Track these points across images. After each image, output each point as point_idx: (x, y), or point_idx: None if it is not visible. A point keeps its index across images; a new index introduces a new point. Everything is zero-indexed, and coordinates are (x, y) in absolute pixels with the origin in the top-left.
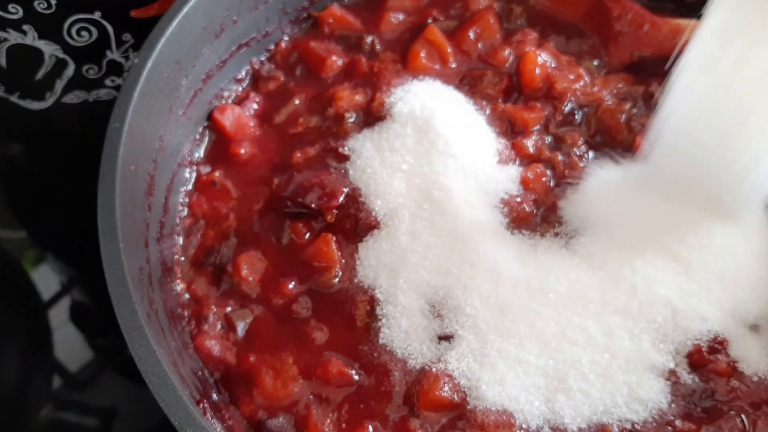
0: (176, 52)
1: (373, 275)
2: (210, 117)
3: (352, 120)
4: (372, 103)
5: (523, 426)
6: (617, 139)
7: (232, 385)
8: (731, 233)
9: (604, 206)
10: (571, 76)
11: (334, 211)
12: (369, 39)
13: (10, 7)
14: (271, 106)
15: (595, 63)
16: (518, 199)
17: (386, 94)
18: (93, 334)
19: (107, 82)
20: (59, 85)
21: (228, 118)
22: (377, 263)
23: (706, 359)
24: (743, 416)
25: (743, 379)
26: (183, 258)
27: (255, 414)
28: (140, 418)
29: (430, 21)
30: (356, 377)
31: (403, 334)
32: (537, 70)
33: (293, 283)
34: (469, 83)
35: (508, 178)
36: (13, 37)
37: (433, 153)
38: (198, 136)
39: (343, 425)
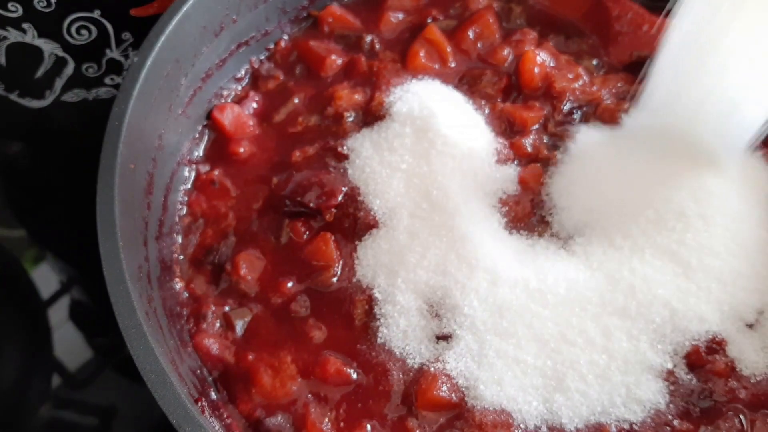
0: (176, 50)
1: (371, 274)
2: (209, 116)
3: (351, 119)
4: (371, 103)
5: (521, 426)
6: None
7: (230, 383)
8: (732, 232)
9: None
10: (570, 76)
11: (333, 210)
12: (368, 38)
13: (9, 5)
14: (270, 105)
15: (594, 62)
16: (516, 199)
17: (385, 93)
18: (92, 333)
19: (107, 80)
20: (59, 83)
21: (227, 117)
22: (376, 263)
23: (705, 359)
24: (741, 416)
25: (741, 380)
26: (182, 257)
27: (253, 412)
28: (139, 417)
29: (429, 20)
30: (354, 376)
31: (402, 333)
32: (536, 70)
33: (292, 282)
34: (468, 83)
35: (506, 177)
36: (13, 36)
37: (431, 152)
38: (197, 135)
39: (342, 424)
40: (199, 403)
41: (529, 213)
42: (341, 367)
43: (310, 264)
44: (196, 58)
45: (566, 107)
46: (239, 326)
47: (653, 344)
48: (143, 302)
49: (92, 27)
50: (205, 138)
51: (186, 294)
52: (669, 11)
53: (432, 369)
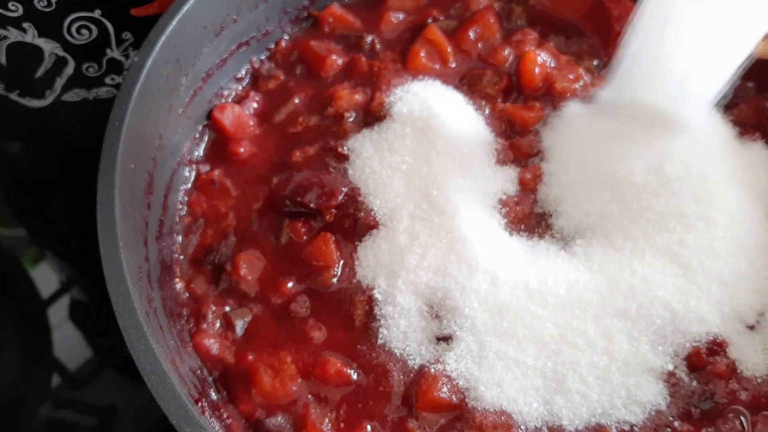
0: (176, 50)
1: (371, 275)
2: (210, 116)
3: (351, 119)
4: (371, 103)
5: (522, 427)
6: None
7: (230, 383)
8: (732, 234)
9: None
10: (571, 76)
11: (333, 210)
12: (369, 38)
13: (10, 4)
14: (270, 105)
15: (595, 63)
16: (516, 200)
17: (386, 93)
18: (92, 333)
19: (107, 80)
20: (59, 83)
21: (228, 117)
22: (376, 263)
23: (705, 361)
24: (742, 418)
25: (742, 381)
26: (182, 256)
27: (253, 413)
28: (139, 416)
29: (430, 21)
30: (355, 377)
31: (402, 334)
32: (536, 70)
33: (292, 282)
34: (468, 83)
35: (506, 178)
36: (13, 35)
37: (432, 153)
38: (197, 135)
39: (342, 425)
40: (200, 404)
41: (529, 214)
42: (341, 368)
43: (310, 264)
44: (197, 58)
45: None
46: (239, 326)
47: (654, 346)
48: (143, 302)
49: (93, 26)
50: (206, 138)
51: (186, 294)
52: None
53: (432, 370)
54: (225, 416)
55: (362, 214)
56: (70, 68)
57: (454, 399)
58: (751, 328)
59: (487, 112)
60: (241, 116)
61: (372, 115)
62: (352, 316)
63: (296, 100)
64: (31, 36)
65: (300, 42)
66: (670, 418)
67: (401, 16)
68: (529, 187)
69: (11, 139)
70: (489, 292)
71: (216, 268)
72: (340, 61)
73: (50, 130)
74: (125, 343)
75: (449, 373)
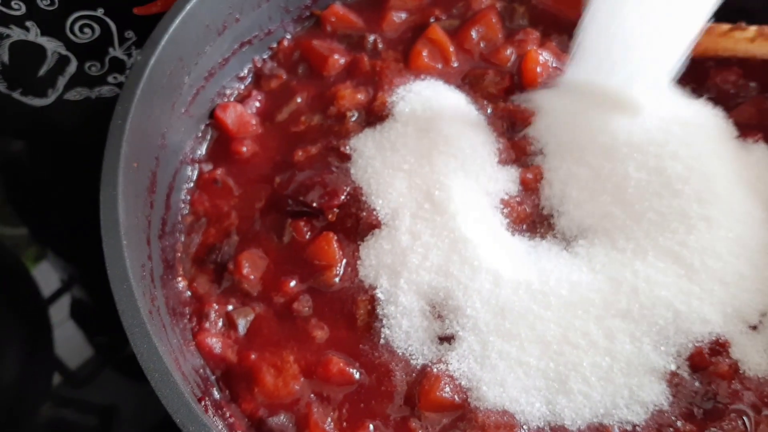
0: (179, 49)
1: (374, 275)
2: (212, 115)
3: (353, 119)
4: (374, 102)
5: (524, 427)
6: None
7: (233, 382)
8: (735, 234)
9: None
10: None
11: (336, 210)
12: (371, 38)
13: (13, 3)
14: (273, 104)
15: None
16: (518, 200)
17: (388, 93)
18: (93, 332)
19: (109, 79)
20: (61, 81)
21: (230, 116)
22: (378, 263)
23: (708, 361)
24: (745, 418)
25: (745, 381)
26: (184, 255)
27: (256, 412)
28: (140, 416)
29: (432, 20)
30: (357, 376)
31: (404, 334)
32: (539, 69)
33: (294, 281)
34: (470, 82)
35: (508, 178)
36: (16, 34)
37: (434, 153)
38: (200, 134)
39: (344, 424)
40: (203, 403)
41: (531, 214)
42: (344, 367)
43: (312, 264)
44: (200, 57)
45: None
46: (242, 325)
47: (656, 346)
48: (146, 301)
49: (95, 25)
50: (208, 137)
51: (189, 293)
52: None
53: (435, 370)
54: (228, 415)
55: (364, 213)
56: (72, 67)
57: (457, 399)
58: (754, 328)
59: (489, 111)
60: (243, 115)
61: (374, 115)
62: (354, 315)
63: (298, 100)
64: (33, 34)
65: (302, 41)
66: (673, 418)
67: (403, 15)
68: (530, 187)
69: (13, 137)
70: (491, 293)
71: (218, 267)
72: (342, 61)
73: (52, 129)
74: (127, 342)
75: (452, 372)
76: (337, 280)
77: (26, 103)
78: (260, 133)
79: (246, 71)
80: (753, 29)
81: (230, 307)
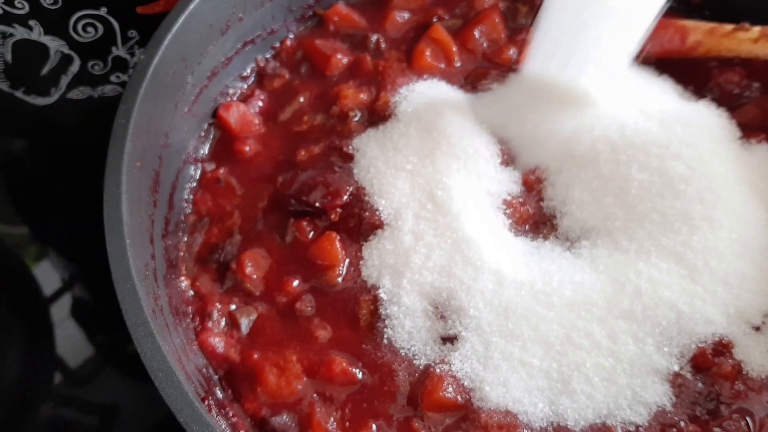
0: (182, 49)
1: (376, 275)
2: (215, 114)
3: (356, 119)
4: (376, 102)
5: (527, 428)
6: None
7: (235, 382)
8: (738, 235)
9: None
10: None
11: (338, 209)
12: (374, 37)
13: (16, 2)
14: (275, 104)
15: None
16: (520, 200)
17: (391, 93)
18: (94, 331)
19: (112, 78)
20: (64, 80)
21: (233, 116)
22: (381, 263)
23: (711, 362)
24: (748, 419)
25: (748, 381)
26: (187, 255)
27: (259, 411)
28: (140, 415)
29: (435, 20)
30: (360, 376)
31: (407, 334)
32: None
33: (297, 281)
34: (473, 82)
35: (510, 179)
36: (19, 33)
37: (436, 153)
38: (203, 133)
39: (347, 424)
40: (206, 402)
41: (533, 215)
42: (347, 367)
43: (315, 263)
44: (203, 57)
45: None
46: (244, 325)
47: (659, 347)
48: (150, 300)
49: (98, 24)
50: (211, 136)
51: (191, 292)
52: None
53: (438, 370)
54: (231, 414)
55: (367, 213)
56: (75, 66)
57: (460, 399)
58: (757, 329)
59: None
60: (246, 115)
61: (377, 115)
62: (357, 315)
63: (301, 99)
64: (36, 33)
65: (305, 41)
66: (676, 419)
67: (406, 15)
68: (533, 188)
69: (15, 136)
70: (494, 293)
71: (221, 266)
72: (345, 60)
73: (55, 128)
74: (128, 341)
75: (454, 373)
76: (339, 280)
77: (29, 102)
78: (263, 132)
79: (249, 71)
80: (756, 30)
81: (233, 307)
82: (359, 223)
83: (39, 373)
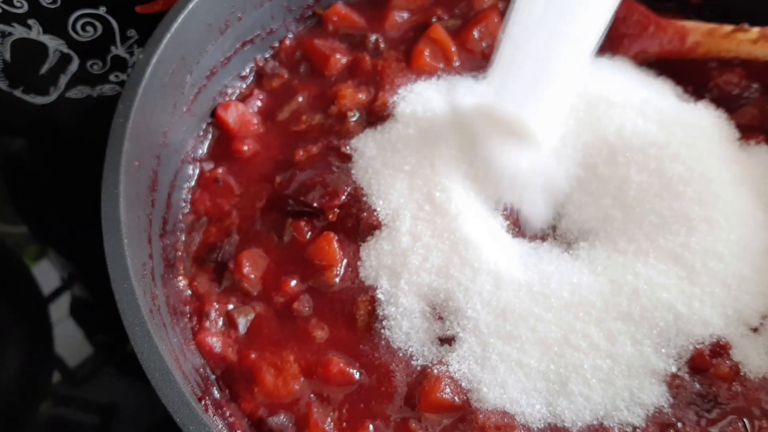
0: (181, 48)
1: (374, 275)
2: (214, 113)
3: (354, 119)
4: (375, 102)
5: (524, 429)
6: None
7: (233, 382)
8: (736, 236)
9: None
10: None
11: (336, 210)
12: (373, 37)
13: (15, 1)
14: (274, 104)
15: None
16: None
17: (389, 93)
18: (93, 330)
19: (111, 77)
20: (63, 80)
21: (231, 115)
22: (378, 264)
23: (709, 363)
24: (745, 420)
25: (746, 383)
26: (185, 254)
27: (256, 411)
28: (140, 414)
29: (434, 20)
30: (357, 377)
31: (404, 335)
32: None
33: (294, 281)
34: None
35: None
36: (18, 32)
37: (435, 154)
38: (201, 133)
39: (344, 424)
40: (203, 402)
41: None
42: (344, 368)
43: (312, 263)
44: (201, 56)
45: None
46: (242, 325)
47: (657, 348)
48: (147, 300)
49: (97, 24)
50: (209, 136)
51: (189, 292)
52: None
53: (435, 371)
54: (228, 414)
55: (365, 214)
56: (74, 65)
57: (457, 400)
58: (755, 330)
59: None
60: (244, 114)
61: (375, 115)
62: (354, 316)
63: (300, 99)
64: (35, 33)
65: (304, 40)
66: (673, 420)
67: (405, 15)
68: None
69: (14, 135)
70: (492, 294)
71: (219, 266)
72: (344, 60)
73: (54, 127)
74: (126, 340)
75: (452, 374)
76: (337, 280)
77: (28, 101)
78: (261, 132)
79: (248, 70)
80: (756, 31)
81: (230, 307)
82: (357, 223)
83: (38, 372)
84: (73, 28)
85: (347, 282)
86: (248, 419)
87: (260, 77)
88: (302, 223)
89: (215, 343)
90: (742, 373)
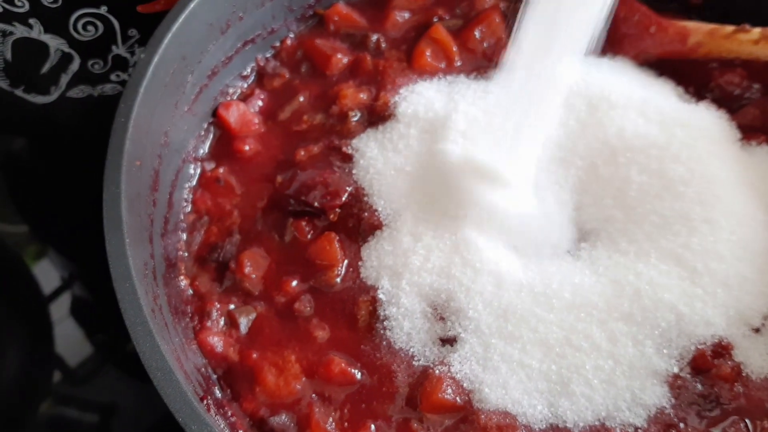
0: (182, 48)
1: (375, 276)
2: (215, 113)
3: (356, 118)
4: (376, 102)
5: (526, 429)
6: None
7: (234, 381)
8: (737, 236)
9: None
10: None
11: (337, 210)
12: (374, 37)
13: (16, 0)
14: (275, 103)
15: None
16: None
17: (391, 93)
18: (93, 330)
19: (112, 77)
20: (64, 79)
21: (233, 115)
22: (379, 264)
23: (711, 364)
24: (747, 421)
25: (748, 384)
26: (186, 254)
27: (257, 411)
28: (140, 414)
29: (435, 20)
30: (359, 377)
31: (406, 335)
32: None
33: (296, 281)
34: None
35: None
36: (19, 31)
37: (436, 154)
38: (203, 132)
39: (346, 424)
40: (205, 401)
41: None
42: (346, 368)
43: (314, 263)
44: (203, 56)
45: None
46: (243, 324)
47: (659, 349)
48: (149, 299)
49: (98, 23)
50: (211, 135)
51: (190, 291)
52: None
53: (437, 371)
54: (229, 414)
55: (366, 214)
56: (75, 65)
57: (459, 400)
58: (757, 331)
59: None
60: (246, 114)
61: (377, 115)
62: (355, 316)
63: (301, 99)
64: (37, 32)
65: (305, 40)
66: (675, 420)
67: (407, 15)
68: None
69: (15, 135)
70: (494, 295)
71: (220, 265)
72: (345, 60)
73: (54, 127)
74: (127, 339)
75: (454, 374)
76: (338, 280)
77: (29, 101)
78: (263, 131)
79: (249, 70)
80: (757, 31)
81: (232, 306)
82: (358, 223)
83: (38, 371)
84: (75, 28)
85: (348, 282)
86: (250, 419)
87: (261, 77)
88: (303, 223)
89: (217, 342)
90: (744, 374)
